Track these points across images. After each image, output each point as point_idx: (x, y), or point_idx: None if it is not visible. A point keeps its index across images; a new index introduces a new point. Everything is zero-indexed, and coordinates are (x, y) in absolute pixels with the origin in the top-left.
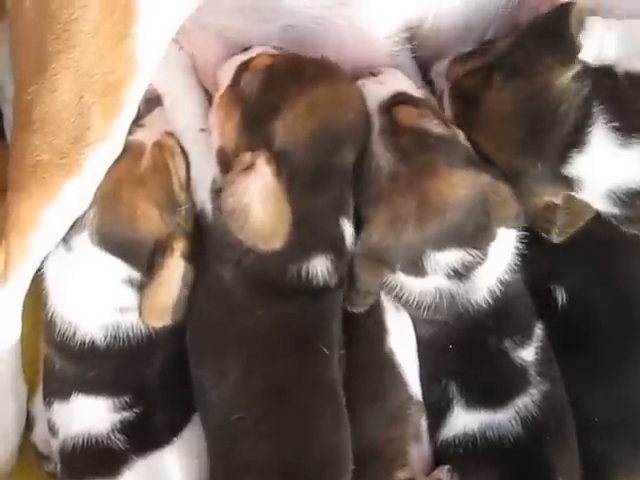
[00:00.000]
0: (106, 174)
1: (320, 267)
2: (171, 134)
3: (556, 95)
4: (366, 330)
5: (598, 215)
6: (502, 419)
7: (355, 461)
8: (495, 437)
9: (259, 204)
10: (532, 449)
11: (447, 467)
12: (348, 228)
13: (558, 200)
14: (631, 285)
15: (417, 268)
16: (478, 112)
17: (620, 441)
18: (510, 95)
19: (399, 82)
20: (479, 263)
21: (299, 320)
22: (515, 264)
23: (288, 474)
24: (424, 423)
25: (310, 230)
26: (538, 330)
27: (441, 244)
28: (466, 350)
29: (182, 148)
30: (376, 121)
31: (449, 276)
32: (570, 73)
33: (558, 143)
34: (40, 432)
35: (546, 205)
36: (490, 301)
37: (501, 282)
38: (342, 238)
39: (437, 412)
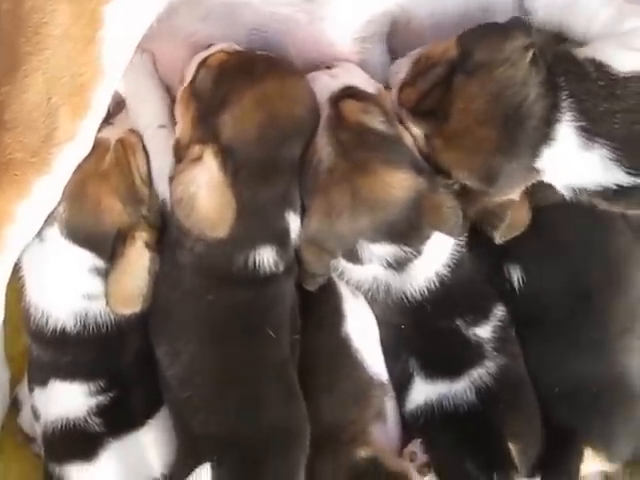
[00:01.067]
0: (74, 170)
1: (266, 256)
2: (134, 131)
3: (520, 85)
4: (323, 316)
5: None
6: (458, 389)
7: (316, 441)
8: (451, 406)
9: (204, 194)
10: (485, 416)
11: (419, 440)
12: (293, 220)
13: (516, 197)
14: (583, 262)
15: (354, 256)
16: (446, 126)
17: (578, 410)
18: (476, 97)
19: (352, 76)
20: (413, 258)
21: (246, 305)
22: (462, 251)
23: (240, 447)
24: (389, 403)
25: (255, 222)
26: (498, 311)
27: (373, 237)
28: (419, 329)
29: (144, 145)
30: (324, 114)
31: (384, 266)
32: (527, 59)
33: (531, 137)
34: (26, 416)
35: (500, 202)
36: (430, 289)
37: (440, 274)
38: (287, 230)
39: (401, 386)
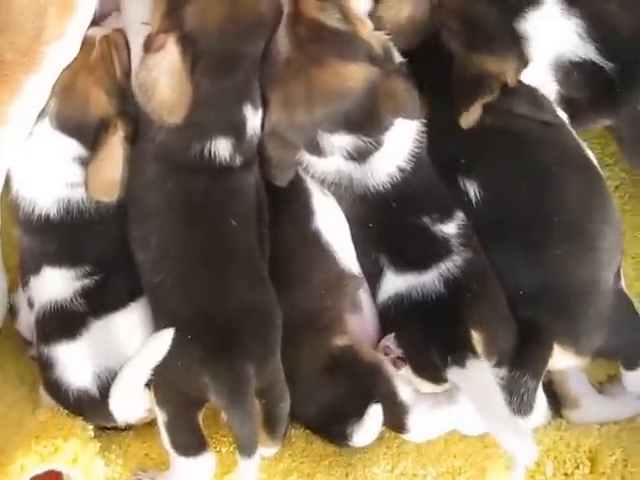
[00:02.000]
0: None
1: (221, 147)
2: (118, 30)
3: None
4: (293, 212)
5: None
6: (427, 280)
7: (294, 329)
8: (419, 296)
9: (164, 80)
10: (451, 305)
11: (393, 335)
12: (251, 113)
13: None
14: (540, 174)
15: (316, 148)
16: None
17: (544, 309)
18: None
19: None
20: (374, 149)
21: (205, 193)
22: (422, 148)
23: (213, 326)
24: (364, 296)
25: (212, 111)
26: (459, 213)
27: (331, 127)
28: (387, 225)
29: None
30: (285, 9)
31: (346, 158)
32: None
33: None
34: (23, 320)
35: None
36: (394, 184)
37: (402, 169)
38: (243, 123)
39: (372, 280)
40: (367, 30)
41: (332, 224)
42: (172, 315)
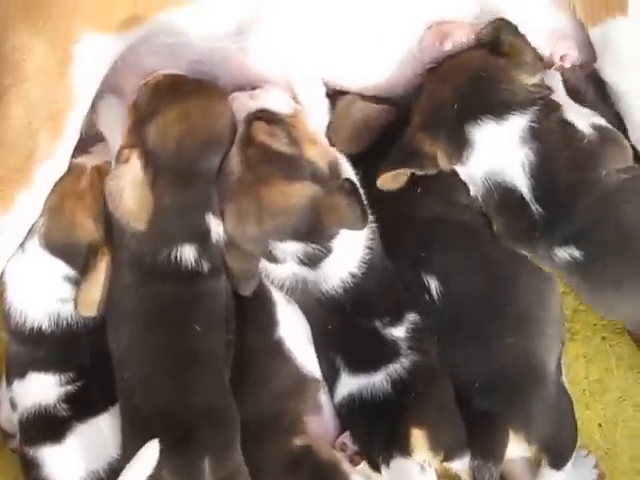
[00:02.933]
0: (53, 189)
1: (187, 254)
2: (108, 162)
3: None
4: (257, 321)
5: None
6: (376, 381)
7: (256, 429)
8: (369, 396)
9: (129, 189)
10: (397, 404)
11: (348, 432)
12: (214, 222)
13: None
14: (492, 265)
15: (270, 256)
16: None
17: (497, 398)
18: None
19: (269, 99)
20: (324, 255)
21: (173, 299)
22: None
23: (171, 424)
24: (324, 398)
25: (175, 220)
26: (410, 316)
27: (280, 237)
28: (343, 329)
29: None
30: (239, 131)
31: (299, 263)
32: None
33: (483, 102)
34: (4, 414)
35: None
36: (347, 289)
37: (354, 275)
38: (207, 230)
39: (331, 381)
40: (315, 150)
41: (295, 332)
42: (136, 411)
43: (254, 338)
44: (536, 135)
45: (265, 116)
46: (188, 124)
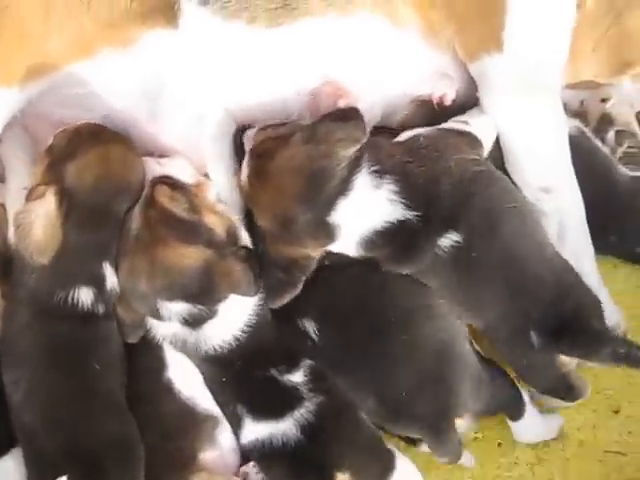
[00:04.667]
0: None
1: (85, 296)
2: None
3: (336, 160)
4: (147, 364)
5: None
6: (284, 428)
7: (151, 468)
8: (279, 443)
9: (39, 222)
10: (311, 448)
11: (252, 463)
12: (109, 271)
13: (315, 253)
14: (360, 286)
15: (156, 313)
16: (270, 166)
17: (429, 398)
18: (299, 154)
19: (175, 169)
20: (208, 318)
21: (70, 339)
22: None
23: (77, 460)
24: (224, 433)
25: (76, 261)
26: (305, 361)
27: (169, 297)
28: (239, 381)
29: None
30: (145, 191)
31: (182, 323)
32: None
33: (328, 193)
34: None
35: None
36: (231, 349)
37: (237, 336)
38: (103, 277)
39: (235, 425)
40: (213, 218)
41: (184, 374)
42: (39, 453)
43: (144, 380)
44: (383, 171)
45: (169, 182)
46: (107, 167)
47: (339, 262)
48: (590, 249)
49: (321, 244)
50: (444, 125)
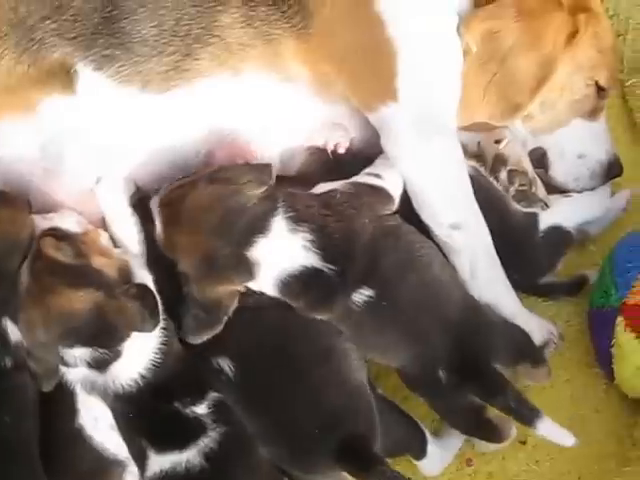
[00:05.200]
0: None
1: None
2: None
3: (245, 197)
4: (58, 411)
5: None
6: (188, 457)
7: None
8: (183, 471)
9: None
10: (214, 475)
11: None
12: (11, 327)
13: (240, 288)
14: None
15: (63, 361)
16: (182, 209)
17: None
18: (208, 193)
19: (63, 220)
20: (113, 360)
21: None
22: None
23: None
24: (128, 476)
25: None
26: (211, 393)
27: (68, 343)
28: (143, 415)
29: None
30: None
31: (88, 367)
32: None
33: (244, 229)
34: None
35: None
36: (139, 387)
37: (143, 375)
38: (5, 333)
39: (140, 461)
40: (103, 260)
41: (95, 419)
42: None
43: (55, 426)
44: (299, 219)
45: (55, 233)
46: None
47: (260, 303)
48: (502, 276)
49: (244, 279)
50: (357, 179)
